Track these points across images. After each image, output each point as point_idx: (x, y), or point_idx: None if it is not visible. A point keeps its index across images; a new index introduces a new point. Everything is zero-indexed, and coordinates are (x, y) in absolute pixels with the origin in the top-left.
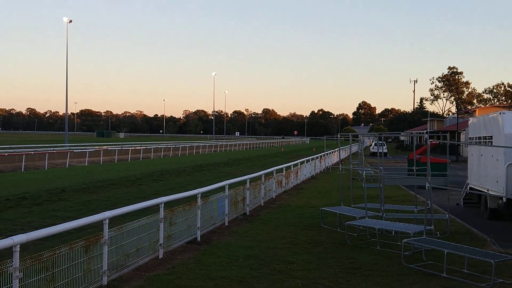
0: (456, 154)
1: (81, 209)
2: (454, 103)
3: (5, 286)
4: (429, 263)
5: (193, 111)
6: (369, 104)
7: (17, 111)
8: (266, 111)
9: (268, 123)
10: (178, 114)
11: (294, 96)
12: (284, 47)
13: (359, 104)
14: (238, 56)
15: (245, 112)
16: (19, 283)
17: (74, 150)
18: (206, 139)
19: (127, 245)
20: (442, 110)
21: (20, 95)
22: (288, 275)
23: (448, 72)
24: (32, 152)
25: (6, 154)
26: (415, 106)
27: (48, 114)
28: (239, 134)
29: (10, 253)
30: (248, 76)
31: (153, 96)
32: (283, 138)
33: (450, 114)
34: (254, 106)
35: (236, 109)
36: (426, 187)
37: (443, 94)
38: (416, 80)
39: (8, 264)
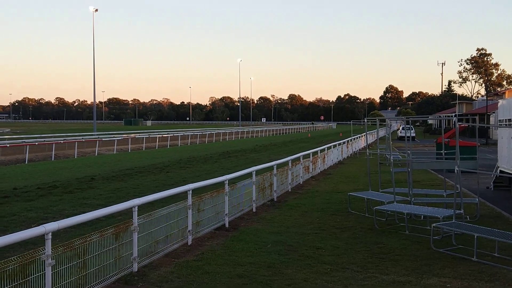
0: (486, 137)
1: (110, 196)
2: (483, 85)
3: (38, 273)
4: (459, 247)
5: (219, 98)
6: (396, 88)
7: (46, 100)
8: (292, 97)
9: (294, 109)
10: (204, 101)
11: (320, 81)
12: (309, 32)
13: (386, 88)
14: (264, 42)
15: (271, 98)
16: (52, 270)
17: (103, 139)
18: (232, 125)
19: (156, 232)
20: (471, 93)
21: (49, 84)
22: (317, 260)
23: (476, 54)
24: (62, 141)
25: (36, 143)
26: (443, 89)
27: (76, 103)
28: (266, 120)
29: (43, 241)
30: (273, 62)
31: (179, 84)
32: (312, 124)
33: (479, 97)
34: (280, 91)
35: (262, 95)
36: (455, 171)
37: (472, 76)
38: (444, 63)
39: (41, 251)
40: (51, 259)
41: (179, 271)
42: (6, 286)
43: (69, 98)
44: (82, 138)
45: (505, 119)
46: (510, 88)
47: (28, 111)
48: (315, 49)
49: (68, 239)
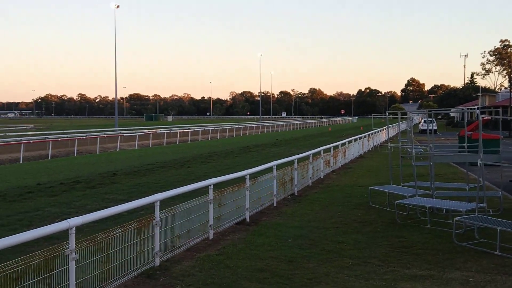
0: (509, 129)
1: (132, 191)
2: (507, 77)
3: (62, 267)
4: (481, 241)
5: (240, 92)
6: (418, 81)
7: (69, 97)
8: (312, 91)
9: (314, 103)
10: (225, 96)
11: (340, 74)
12: (330, 25)
13: (408, 81)
14: (284, 36)
15: (292, 92)
16: (76, 264)
17: (124, 134)
18: (253, 120)
19: (178, 227)
20: (494, 85)
21: (71, 81)
22: (338, 254)
23: (500, 45)
24: (84, 137)
25: (59, 139)
26: (466, 82)
27: (98, 99)
28: (286, 115)
29: (67, 236)
30: (294, 56)
31: (199, 79)
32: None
33: (503, 89)
34: (300, 86)
35: (282, 89)
36: (478, 164)
37: (495, 68)
38: (467, 55)
39: (65, 246)
40: (75, 254)
41: (201, 265)
42: (31, 280)
43: (91, 94)
44: (104, 134)
45: None
46: None
47: (51, 108)
48: (335, 43)
49: (91, 233)
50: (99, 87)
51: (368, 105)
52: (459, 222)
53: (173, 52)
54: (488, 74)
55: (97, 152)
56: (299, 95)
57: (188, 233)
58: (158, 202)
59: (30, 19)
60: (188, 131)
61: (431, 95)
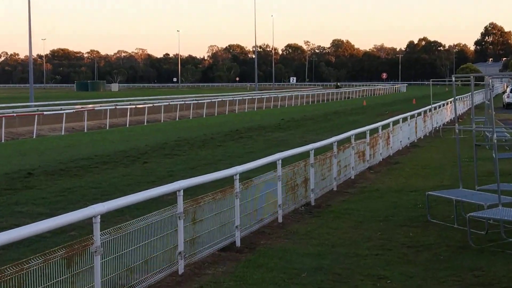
0: None
1: (58, 201)
2: None
3: None
4: None
5: (224, 47)
6: (501, 28)
7: None
8: (337, 44)
9: (340, 62)
10: (201, 52)
11: (381, 19)
12: None
13: (485, 28)
14: None
15: (305, 47)
16: None
17: (45, 112)
18: (244, 89)
19: (130, 255)
20: None
21: None
22: None
23: None
24: None
25: None
26: None
27: (2, 58)
28: (296, 81)
29: None
30: None
31: (161, 27)
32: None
33: None
34: (318, 36)
35: (290, 42)
36: None
37: None
38: None
39: None
40: None
41: None
42: None
43: None
44: (13, 112)
45: None
46: None
47: None
48: None
49: None
50: (3, 40)
51: (424, 65)
52: None
53: None
54: None
55: (2, 141)
56: (317, 51)
57: (146, 265)
58: (98, 217)
59: None
60: (144, 107)
61: None
